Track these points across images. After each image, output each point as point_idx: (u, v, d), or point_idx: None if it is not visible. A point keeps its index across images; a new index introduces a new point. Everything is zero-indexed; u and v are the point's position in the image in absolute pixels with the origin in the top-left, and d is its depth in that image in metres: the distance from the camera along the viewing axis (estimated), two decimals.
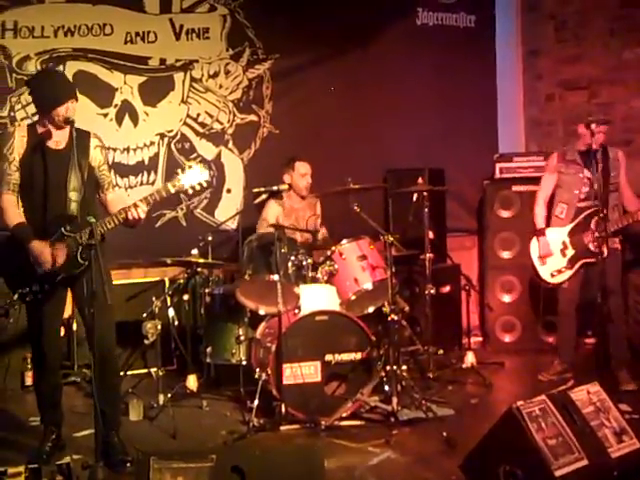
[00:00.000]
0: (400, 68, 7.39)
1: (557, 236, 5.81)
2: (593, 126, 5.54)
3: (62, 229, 4.25)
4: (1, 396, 5.60)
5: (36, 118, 4.56)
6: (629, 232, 5.89)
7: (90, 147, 4.43)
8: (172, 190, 4.33)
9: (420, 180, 6.10)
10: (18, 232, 4.26)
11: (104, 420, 4.34)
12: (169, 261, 5.82)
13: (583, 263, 5.70)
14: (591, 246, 5.60)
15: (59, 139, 4.37)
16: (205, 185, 4.44)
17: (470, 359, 6.26)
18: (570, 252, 5.75)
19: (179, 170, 4.37)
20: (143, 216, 4.26)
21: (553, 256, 5.81)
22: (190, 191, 4.38)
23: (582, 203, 5.72)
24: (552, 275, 5.84)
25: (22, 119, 6.15)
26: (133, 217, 4.23)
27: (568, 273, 5.77)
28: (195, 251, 5.80)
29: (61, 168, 4.29)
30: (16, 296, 4.24)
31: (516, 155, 7.19)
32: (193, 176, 4.34)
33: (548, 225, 5.90)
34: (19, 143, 4.30)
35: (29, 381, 5.68)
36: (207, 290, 5.80)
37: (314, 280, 5.41)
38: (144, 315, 5.92)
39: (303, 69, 7.13)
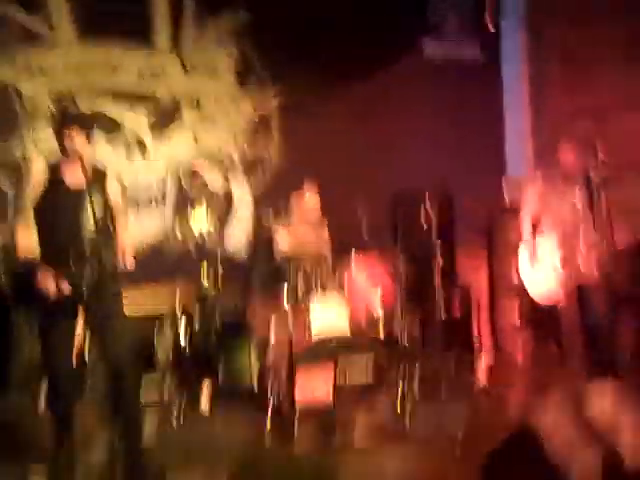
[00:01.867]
0: (406, 100, 7.49)
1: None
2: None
3: (71, 262, 4.26)
4: None
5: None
6: None
7: (107, 186, 4.44)
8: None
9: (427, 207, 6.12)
10: (27, 263, 4.29)
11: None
12: (179, 290, 5.88)
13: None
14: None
15: (75, 177, 4.35)
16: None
17: None
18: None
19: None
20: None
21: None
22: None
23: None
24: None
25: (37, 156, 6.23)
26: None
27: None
28: (205, 280, 5.87)
29: (75, 206, 4.31)
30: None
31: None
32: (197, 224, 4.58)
33: None
34: (37, 178, 4.33)
35: None
36: (218, 316, 5.84)
37: (324, 301, 5.47)
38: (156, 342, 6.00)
39: (311, 103, 7.20)
